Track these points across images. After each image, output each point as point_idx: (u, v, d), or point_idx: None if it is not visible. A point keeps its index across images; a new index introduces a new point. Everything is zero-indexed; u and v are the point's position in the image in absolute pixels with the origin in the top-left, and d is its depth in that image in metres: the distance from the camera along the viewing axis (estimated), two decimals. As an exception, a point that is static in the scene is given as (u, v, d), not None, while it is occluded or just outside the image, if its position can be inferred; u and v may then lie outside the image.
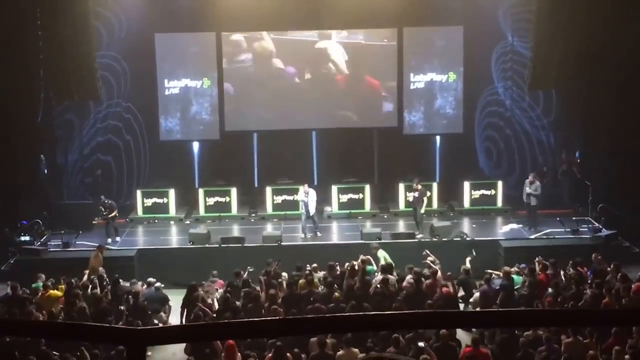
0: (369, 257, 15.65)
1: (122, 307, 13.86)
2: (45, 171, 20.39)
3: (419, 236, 18.13)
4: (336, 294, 13.90)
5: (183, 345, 12.28)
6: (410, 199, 19.04)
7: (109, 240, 18.29)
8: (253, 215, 20.49)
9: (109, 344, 10.93)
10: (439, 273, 14.92)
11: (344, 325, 2.74)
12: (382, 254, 16.13)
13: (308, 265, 15.37)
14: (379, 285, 14.17)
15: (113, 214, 18.62)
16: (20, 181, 19.45)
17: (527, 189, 18.87)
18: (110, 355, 11.66)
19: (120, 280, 15.10)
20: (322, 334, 10.87)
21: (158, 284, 15.23)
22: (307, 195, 18.57)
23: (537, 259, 15.48)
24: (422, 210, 18.67)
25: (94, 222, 19.79)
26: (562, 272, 14.98)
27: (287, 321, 2.89)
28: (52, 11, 18.76)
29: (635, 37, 18.30)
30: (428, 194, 19.00)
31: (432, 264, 15.48)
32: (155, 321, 14.11)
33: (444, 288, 14.25)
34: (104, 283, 15.15)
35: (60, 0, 18.72)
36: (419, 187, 18.74)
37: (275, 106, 21.46)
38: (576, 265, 15.07)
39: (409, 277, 14.65)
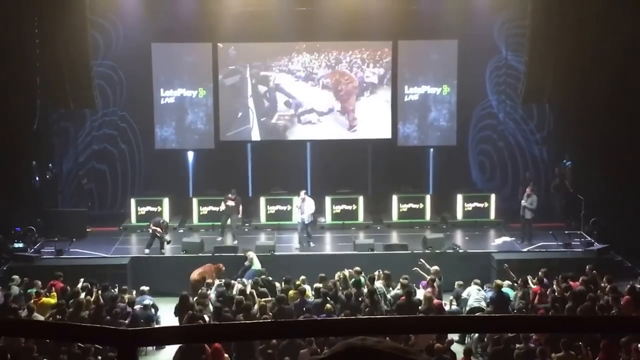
0: (357, 268, 15.71)
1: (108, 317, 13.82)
2: (37, 178, 20.40)
3: (236, 242, 18.53)
4: (328, 305, 13.94)
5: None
6: (223, 207, 19.15)
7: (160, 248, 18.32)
8: (247, 224, 20.53)
9: (101, 347, 10.92)
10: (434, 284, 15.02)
11: (335, 330, 2.76)
12: (251, 255, 16.76)
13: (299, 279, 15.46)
14: (366, 298, 14.29)
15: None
16: (15, 188, 19.44)
17: (523, 202, 18.96)
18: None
19: (114, 290, 15.14)
20: (314, 339, 10.90)
21: (147, 301, 15.03)
22: (303, 202, 18.66)
23: (529, 276, 15.56)
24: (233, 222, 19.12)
25: (88, 230, 19.83)
26: (554, 285, 15.06)
27: (279, 324, 2.93)
28: (50, 19, 18.83)
29: (628, 52, 18.46)
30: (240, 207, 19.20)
31: (424, 273, 15.59)
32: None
33: (435, 300, 14.31)
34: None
35: (58, 8, 18.78)
36: (234, 197, 19.03)
37: (270, 117, 21.54)
38: (567, 279, 15.14)
39: (400, 290, 14.76)
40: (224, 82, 21.35)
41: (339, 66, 21.35)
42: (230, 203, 19.05)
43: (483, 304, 14.72)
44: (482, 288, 15.23)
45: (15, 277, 15.64)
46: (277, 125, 21.51)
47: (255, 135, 21.64)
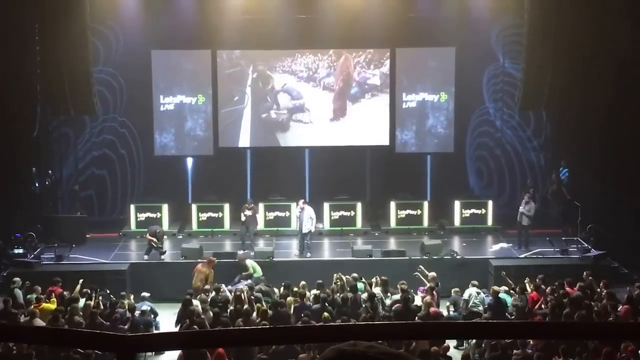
0: (355, 274, 15.78)
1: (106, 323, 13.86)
2: (37, 184, 20.49)
3: (252, 253, 18.21)
4: (325, 314, 13.98)
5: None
6: (243, 218, 19.06)
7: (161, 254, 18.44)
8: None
9: (101, 353, 10.98)
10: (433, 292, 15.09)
11: (333, 335, 2.80)
12: (250, 263, 16.82)
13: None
14: (364, 304, 14.36)
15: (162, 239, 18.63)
16: (15, 194, 19.53)
17: (521, 208, 19.04)
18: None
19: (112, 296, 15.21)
20: (312, 344, 10.98)
21: (145, 307, 15.07)
22: (301, 212, 18.71)
23: (526, 280, 15.64)
24: (251, 232, 19.02)
25: (87, 235, 19.91)
26: (551, 290, 15.13)
27: (277, 330, 3.05)
28: (51, 27, 18.95)
29: (625, 59, 18.60)
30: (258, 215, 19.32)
31: (424, 278, 15.66)
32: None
33: (431, 308, 14.38)
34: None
35: (58, 16, 18.91)
36: (251, 206, 19.05)
37: (268, 123, 21.65)
38: (564, 285, 15.21)
39: (397, 296, 14.83)
40: (224, 72, 21.41)
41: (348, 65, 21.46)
42: (248, 213, 19.01)
43: (481, 309, 14.81)
44: (481, 290, 15.31)
45: (17, 279, 15.72)
46: (272, 120, 21.53)
47: (254, 142, 21.69)
